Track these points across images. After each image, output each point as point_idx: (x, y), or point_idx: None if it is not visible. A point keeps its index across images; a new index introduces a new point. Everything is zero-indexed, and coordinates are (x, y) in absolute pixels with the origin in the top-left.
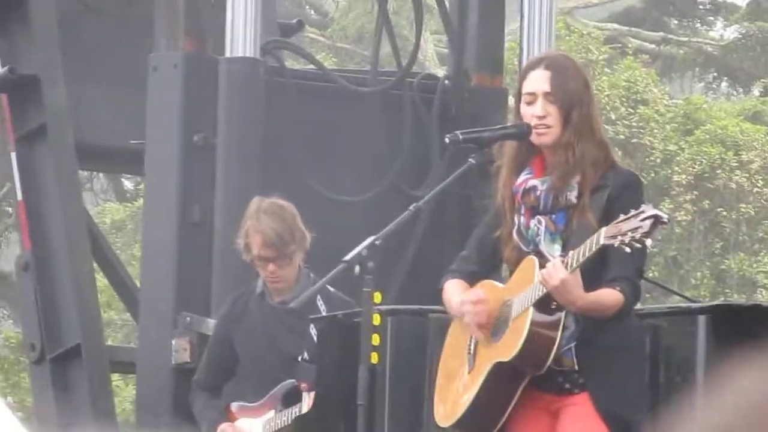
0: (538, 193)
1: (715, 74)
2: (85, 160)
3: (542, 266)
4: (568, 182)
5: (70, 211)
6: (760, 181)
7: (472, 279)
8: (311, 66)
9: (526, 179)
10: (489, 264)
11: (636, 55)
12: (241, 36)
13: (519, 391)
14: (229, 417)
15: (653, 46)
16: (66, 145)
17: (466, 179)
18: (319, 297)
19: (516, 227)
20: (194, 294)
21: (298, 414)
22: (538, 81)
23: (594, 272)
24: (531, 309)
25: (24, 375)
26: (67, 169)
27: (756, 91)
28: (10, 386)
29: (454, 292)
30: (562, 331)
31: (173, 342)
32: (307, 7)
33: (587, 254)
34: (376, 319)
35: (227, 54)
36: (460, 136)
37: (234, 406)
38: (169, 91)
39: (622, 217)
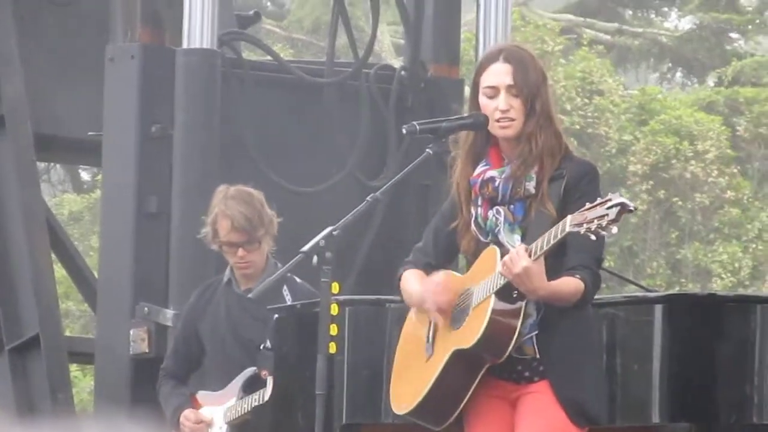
0: (497, 183)
1: (670, 65)
2: (43, 151)
3: (504, 256)
4: (526, 173)
5: (28, 202)
6: (714, 171)
7: (428, 270)
8: (268, 57)
9: (483, 170)
10: (445, 256)
11: (591, 45)
12: (198, 27)
13: (477, 380)
14: (193, 405)
15: (608, 36)
16: (24, 137)
17: (423, 169)
18: (285, 287)
19: (473, 218)
20: (152, 284)
21: (258, 401)
22: (500, 74)
23: (552, 263)
24: (492, 297)
25: None
26: (25, 161)
27: (710, 82)
28: None
29: (413, 281)
30: (524, 319)
31: (131, 332)
32: None
33: (552, 242)
34: (334, 309)
35: (184, 45)
36: (417, 127)
37: (199, 394)
38: (126, 82)
39: (588, 205)
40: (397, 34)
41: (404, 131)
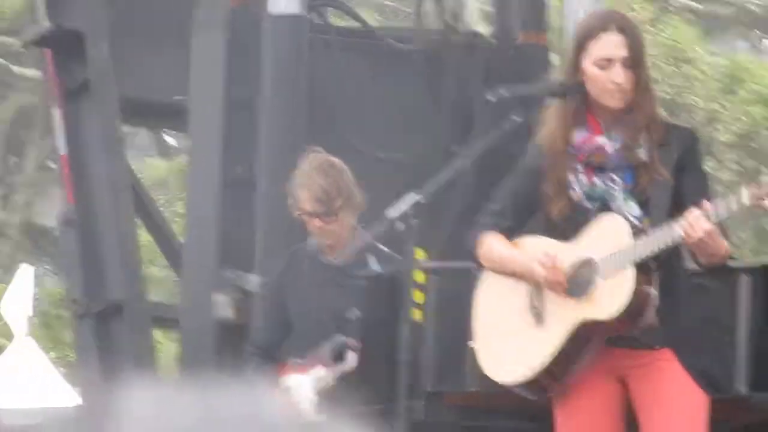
0: (608, 150)
1: (760, 33)
2: (129, 115)
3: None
4: (638, 140)
5: (113, 167)
6: None
7: (508, 235)
8: (356, 23)
9: (588, 136)
10: (523, 219)
11: (680, 13)
12: None
13: (593, 350)
14: (281, 372)
15: (698, 4)
16: (110, 101)
17: (509, 136)
18: (370, 255)
19: (576, 183)
20: (237, 250)
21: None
22: (616, 46)
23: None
24: (634, 268)
25: (66, 330)
26: (110, 125)
27: None
28: (52, 341)
29: (504, 249)
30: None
31: (216, 298)
32: None
33: (731, 210)
34: (419, 276)
35: (272, 10)
36: (505, 93)
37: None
38: (214, 47)
39: (766, 179)
40: (485, 0)
41: (491, 98)
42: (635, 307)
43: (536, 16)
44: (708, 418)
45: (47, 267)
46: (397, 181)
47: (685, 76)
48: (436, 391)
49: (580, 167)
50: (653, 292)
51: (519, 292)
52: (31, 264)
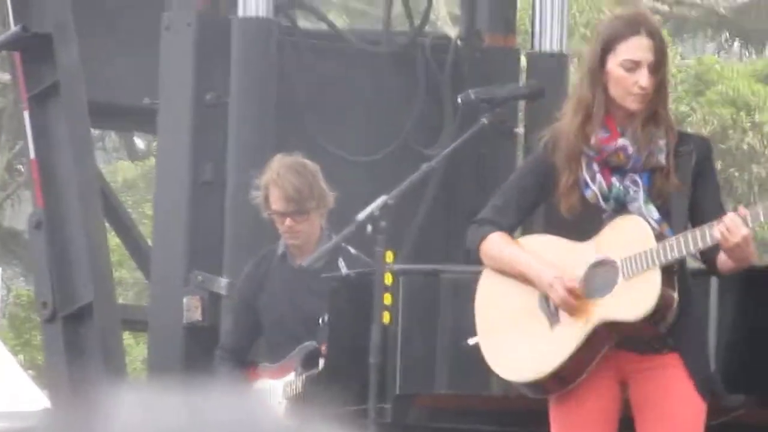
0: (629, 152)
1: (728, 35)
2: (98, 118)
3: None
4: (657, 144)
5: (82, 170)
6: None
7: (511, 233)
8: (324, 25)
9: (609, 137)
10: (526, 216)
11: None
12: None
13: (604, 351)
14: (251, 376)
15: (666, 7)
16: (79, 104)
17: (478, 138)
18: (340, 258)
19: (594, 184)
20: (206, 253)
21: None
22: (644, 50)
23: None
24: (659, 270)
25: (35, 333)
26: (79, 128)
27: None
28: (21, 344)
29: (514, 248)
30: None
31: (185, 300)
32: None
33: (757, 219)
34: (388, 279)
35: (240, 13)
36: (473, 96)
37: (258, 367)
38: (182, 50)
39: None
40: (453, 3)
41: (459, 100)
42: (660, 310)
43: (504, 18)
44: (704, 425)
45: (17, 269)
46: (366, 184)
47: None
48: (406, 394)
49: (596, 167)
50: (675, 295)
51: (528, 290)
52: (1, 267)
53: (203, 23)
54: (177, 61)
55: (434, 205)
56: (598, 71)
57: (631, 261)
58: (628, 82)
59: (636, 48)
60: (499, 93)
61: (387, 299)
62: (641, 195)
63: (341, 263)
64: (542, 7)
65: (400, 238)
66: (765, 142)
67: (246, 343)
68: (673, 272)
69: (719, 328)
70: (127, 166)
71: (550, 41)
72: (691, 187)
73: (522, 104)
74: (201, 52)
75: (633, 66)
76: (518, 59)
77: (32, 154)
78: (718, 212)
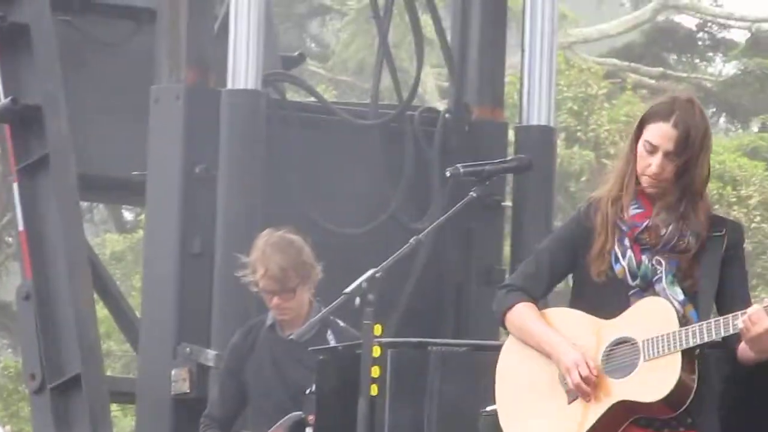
0: (662, 232)
1: (714, 110)
2: (87, 191)
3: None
4: (688, 227)
5: (71, 242)
6: (758, 216)
7: (539, 301)
8: (312, 99)
9: (642, 213)
10: (557, 282)
11: (635, 89)
12: (243, 68)
13: (623, 427)
14: None
15: (652, 81)
16: (68, 176)
17: (466, 212)
18: (329, 331)
19: (624, 258)
20: (194, 325)
21: None
22: (664, 138)
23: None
24: (680, 354)
25: (23, 404)
26: (68, 200)
27: (754, 127)
28: (9, 415)
29: (538, 322)
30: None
31: (173, 372)
32: (308, 39)
33: None
34: (376, 351)
35: (229, 86)
36: (461, 170)
37: None
38: (171, 123)
39: None
40: (441, 76)
41: (448, 174)
42: (678, 394)
43: (492, 92)
44: None
45: (5, 341)
46: (354, 256)
47: None
48: None
49: (627, 242)
50: (695, 379)
51: (549, 363)
52: None
53: (192, 96)
54: (166, 134)
55: (422, 278)
56: (633, 144)
57: (653, 342)
58: (643, 163)
59: (657, 133)
60: (488, 167)
61: (375, 372)
62: (666, 275)
63: (330, 335)
64: (530, 81)
65: (388, 311)
66: (751, 217)
67: (231, 412)
68: (694, 357)
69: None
70: (115, 238)
71: (537, 115)
72: (719, 272)
73: (510, 177)
74: (190, 125)
75: (651, 149)
76: (506, 132)
77: (21, 226)
78: (744, 299)
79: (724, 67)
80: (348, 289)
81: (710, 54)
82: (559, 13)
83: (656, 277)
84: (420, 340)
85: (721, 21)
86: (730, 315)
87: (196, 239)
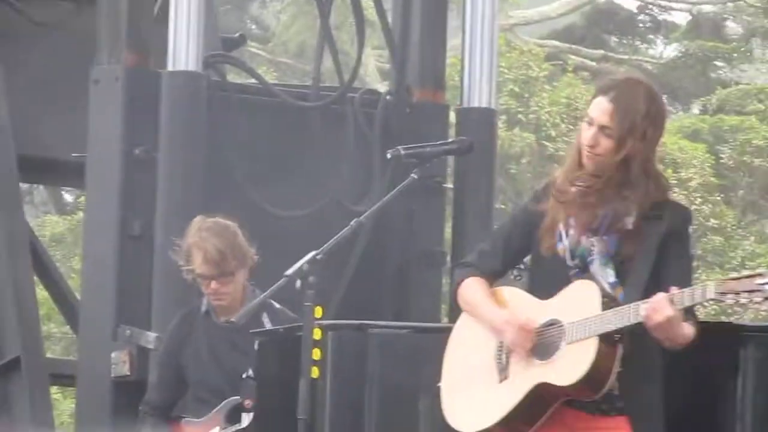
0: (599, 213)
1: None
2: (27, 172)
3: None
4: (628, 210)
5: (11, 224)
6: (698, 199)
7: (492, 277)
8: (253, 80)
9: None
10: (513, 263)
11: (576, 72)
12: (183, 50)
13: (551, 410)
14: (175, 431)
15: (593, 63)
16: (8, 158)
17: (407, 194)
18: (264, 314)
19: (566, 238)
20: (134, 307)
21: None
22: (600, 111)
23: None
24: (597, 339)
25: None
26: (8, 182)
27: (695, 109)
28: None
29: (483, 298)
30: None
31: (113, 355)
32: (249, 21)
33: (694, 302)
34: (317, 334)
35: (169, 68)
36: (402, 152)
37: (183, 422)
38: (111, 105)
39: (733, 275)
40: (382, 58)
41: (389, 156)
42: (595, 378)
43: (434, 74)
44: None
45: None
46: (295, 239)
47: None
48: None
49: (573, 221)
50: (616, 364)
51: (489, 342)
52: None
53: (132, 77)
54: (106, 116)
55: (363, 260)
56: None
57: (575, 327)
58: (583, 135)
59: (595, 106)
60: (429, 149)
61: (316, 354)
62: (598, 256)
63: (265, 318)
64: (471, 63)
65: (329, 293)
66: (692, 199)
67: (170, 397)
68: (614, 341)
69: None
70: (55, 220)
71: (479, 97)
72: (656, 254)
73: (451, 159)
74: (130, 107)
75: (590, 121)
76: (447, 114)
77: None
78: (680, 283)
79: (665, 50)
80: (289, 272)
81: (651, 36)
82: None
83: (590, 258)
84: (361, 322)
85: (662, 3)
86: (638, 303)
87: (135, 221)
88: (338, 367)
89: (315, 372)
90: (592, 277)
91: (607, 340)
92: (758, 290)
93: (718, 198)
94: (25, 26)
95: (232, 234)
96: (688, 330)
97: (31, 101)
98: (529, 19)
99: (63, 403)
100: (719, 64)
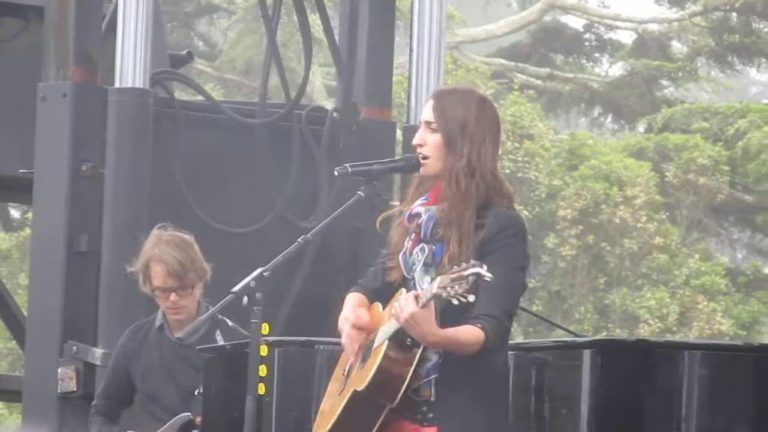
0: (420, 221)
1: (601, 110)
2: None
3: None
4: (449, 215)
5: None
6: (643, 216)
7: (374, 296)
8: (200, 97)
9: (423, 203)
10: (388, 284)
11: (522, 90)
12: (130, 66)
13: (380, 418)
14: None
15: (539, 81)
16: None
17: (354, 212)
18: (218, 331)
19: (403, 251)
20: (81, 323)
21: None
22: (425, 109)
23: (462, 310)
24: (386, 342)
25: None
26: None
27: (641, 128)
28: None
29: (348, 305)
30: (420, 363)
31: (59, 371)
32: (196, 38)
33: (427, 298)
34: (264, 350)
35: (117, 84)
36: (349, 169)
37: None
38: (58, 121)
39: (455, 268)
40: (329, 75)
41: (336, 173)
42: (388, 382)
43: (380, 91)
44: None
45: None
46: (241, 255)
47: (528, 152)
48: None
49: (413, 235)
50: (408, 369)
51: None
52: None
53: (79, 94)
54: (53, 132)
55: (309, 277)
56: None
57: (380, 332)
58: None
59: (424, 109)
60: (376, 166)
61: (262, 371)
62: (419, 265)
63: (218, 335)
64: (418, 81)
65: (275, 310)
66: (637, 217)
67: (114, 409)
68: (405, 346)
69: (591, 401)
70: (2, 236)
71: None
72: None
73: (398, 177)
74: (77, 123)
75: (422, 125)
76: (394, 132)
77: None
78: (488, 294)
79: (610, 68)
80: (236, 288)
81: (597, 55)
82: (447, 13)
83: (414, 266)
84: (307, 338)
85: (608, 22)
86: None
87: (82, 237)
88: (285, 383)
89: (262, 388)
90: (415, 287)
91: (397, 344)
92: (463, 281)
93: (664, 216)
94: None
95: (191, 247)
96: (459, 334)
97: None
98: (476, 37)
99: (9, 418)
100: (664, 82)
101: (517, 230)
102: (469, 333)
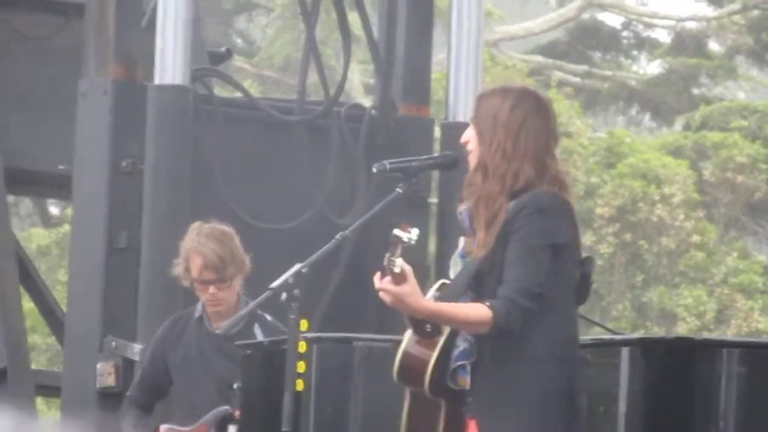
0: (461, 214)
1: (638, 108)
2: (13, 184)
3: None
4: (476, 203)
5: None
6: (681, 214)
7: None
8: (239, 94)
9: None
10: None
11: (560, 87)
12: (170, 63)
13: (442, 412)
14: None
15: (577, 79)
16: None
17: (392, 208)
18: (256, 325)
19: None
20: (120, 319)
21: None
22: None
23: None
24: (409, 330)
25: None
26: None
27: (678, 126)
28: None
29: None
30: (448, 350)
31: (98, 366)
32: (235, 35)
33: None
34: (302, 347)
35: (156, 81)
36: (387, 166)
37: (163, 428)
38: (98, 117)
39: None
40: (367, 72)
41: (374, 170)
42: (413, 367)
43: (418, 88)
44: None
45: None
46: (279, 252)
47: (565, 150)
48: None
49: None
50: (430, 354)
51: None
52: None
53: (119, 90)
54: (93, 128)
55: (347, 274)
56: None
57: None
58: None
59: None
60: (414, 163)
61: (300, 367)
62: (456, 256)
63: (257, 330)
64: (456, 78)
65: (313, 306)
66: (675, 215)
67: (149, 400)
68: (425, 332)
69: (629, 399)
70: (41, 232)
71: (463, 111)
72: (494, 250)
73: (436, 174)
74: (117, 120)
75: None
76: (432, 129)
77: None
78: (506, 278)
79: (648, 66)
80: (274, 285)
81: (635, 52)
82: (485, 10)
83: (454, 258)
84: (345, 335)
85: (646, 20)
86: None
87: (122, 233)
88: (322, 379)
89: (300, 385)
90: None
91: (418, 330)
92: (391, 246)
93: (701, 214)
94: (13, 39)
95: (231, 240)
96: (457, 310)
97: (17, 113)
98: (514, 34)
99: (47, 414)
100: (702, 80)
101: (534, 208)
102: (472, 310)
